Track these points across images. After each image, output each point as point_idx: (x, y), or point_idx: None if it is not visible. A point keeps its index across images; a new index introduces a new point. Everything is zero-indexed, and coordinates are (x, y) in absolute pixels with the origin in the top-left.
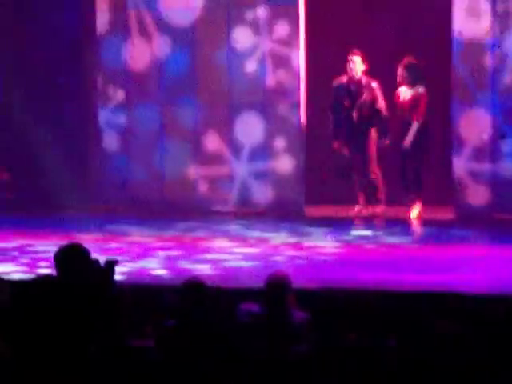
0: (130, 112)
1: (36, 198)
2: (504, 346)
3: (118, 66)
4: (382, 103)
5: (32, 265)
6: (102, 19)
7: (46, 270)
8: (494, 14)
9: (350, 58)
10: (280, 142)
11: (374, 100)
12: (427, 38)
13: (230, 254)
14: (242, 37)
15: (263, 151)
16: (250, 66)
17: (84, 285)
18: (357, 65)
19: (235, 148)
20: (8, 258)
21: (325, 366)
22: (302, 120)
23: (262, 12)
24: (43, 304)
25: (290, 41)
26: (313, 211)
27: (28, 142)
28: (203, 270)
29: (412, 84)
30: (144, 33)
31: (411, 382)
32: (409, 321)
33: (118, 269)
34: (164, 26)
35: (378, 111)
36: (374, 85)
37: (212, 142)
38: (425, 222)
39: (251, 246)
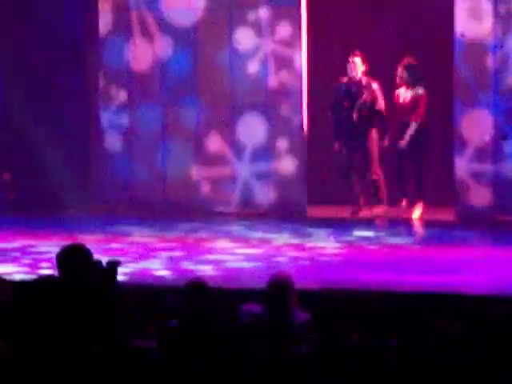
0: (132, 112)
1: (38, 199)
2: (505, 346)
3: (120, 66)
4: (382, 104)
5: (34, 265)
6: (105, 20)
7: (47, 270)
8: (496, 14)
9: (350, 59)
10: (282, 143)
11: (374, 100)
12: (429, 39)
13: (232, 255)
14: (244, 38)
15: (265, 152)
16: (252, 67)
17: (86, 285)
18: (357, 66)
19: (237, 149)
20: (9, 259)
21: (326, 367)
22: (304, 121)
23: (264, 13)
24: (45, 305)
25: (292, 42)
26: (315, 212)
27: (29, 143)
28: (205, 270)
29: (412, 85)
30: (146, 33)
31: (412, 382)
32: (410, 321)
33: (120, 270)
34: (166, 27)
35: (378, 112)
36: (375, 85)
37: (214, 143)
38: (427, 223)
39: (253, 246)
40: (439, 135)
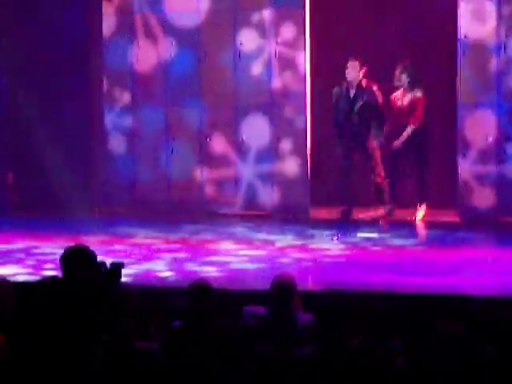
0: (136, 114)
1: (41, 200)
2: (509, 348)
3: (123, 68)
4: (381, 106)
5: (37, 267)
6: (108, 22)
7: (51, 271)
8: (500, 16)
9: (348, 63)
10: (286, 144)
11: (374, 103)
12: (432, 41)
13: (235, 256)
14: (247, 39)
15: (269, 153)
16: (256, 69)
17: (90, 287)
18: (354, 70)
19: (241, 150)
20: (13, 260)
21: (329, 368)
22: (307, 122)
23: (267, 14)
24: (49, 306)
25: (296, 43)
26: (319, 213)
27: (33, 144)
28: (209, 271)
29: (410, 88)
30: (150, 35)
31: (415, 383)
32: (414, 323)
33: (124, 271)
34: (170, 29)
35: (379, 114)
36: (374, 88)
37: (218, 144)
38: (430, 225)
39: (257, 248)
40: (442, 137)
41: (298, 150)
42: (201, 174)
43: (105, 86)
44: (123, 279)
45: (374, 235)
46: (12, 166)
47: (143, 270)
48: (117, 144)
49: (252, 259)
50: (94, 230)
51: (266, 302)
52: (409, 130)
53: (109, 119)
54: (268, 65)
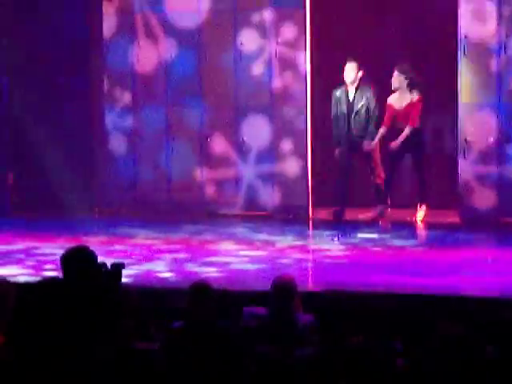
0: (137, 114)
1: (42, 201)
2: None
3: (124, 68)
4: (376, 108)
5: (38, 267)
6: (109, 22)
7: (51, 272)
8: (500, 16)
9: (346, 65)
10: (286, 145)
11: (372, 105)
12: (433, 41)
13: (236, 257)
14: (248, 39)
15: (270, 153)
16: (256, 69)
17: (90, 287)
18: (352, 72)
19: (242, 150)
20: (14, 261)
21: (330, 369)
22: (308, 122)
23: (268, 15)
24: (49, 306)
25: (297, 43)
26: (319, 213)
27: (33, 145)
28: (210, 272)
29: (407, 90)
30: (150, 35)
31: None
32: (414, 323)
33: (124, 272)
34: (170, 29)
35: (376, 116)
36: (371, 90)
37: (218, 145)
38: (431, 226)
39: (257, 248)
40: (443, 137)
41: (299, 150)
42: (201, 174)
43: (105, 86)
44: (123, 280)
45: (375, 236)
46: (12, 167)
47: (143, 270)
48: (117, 144)
49: (252, 260)
50: (95, 230)
51: (266, 302)
52: (407, 132)
53: (109, 119)
54: (268, 65)
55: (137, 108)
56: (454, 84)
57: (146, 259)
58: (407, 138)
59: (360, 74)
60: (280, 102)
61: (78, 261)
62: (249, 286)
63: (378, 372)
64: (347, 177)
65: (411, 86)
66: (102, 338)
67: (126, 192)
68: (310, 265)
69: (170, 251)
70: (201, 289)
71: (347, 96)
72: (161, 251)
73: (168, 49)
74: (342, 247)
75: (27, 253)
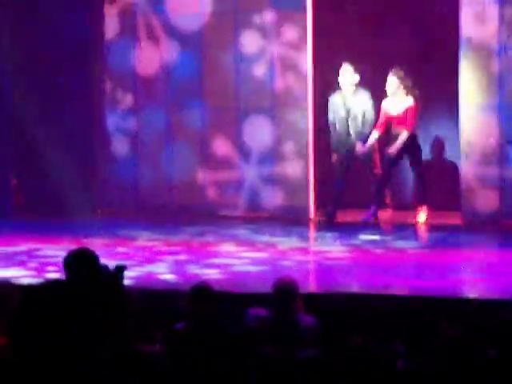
0: (138, 116)
1: (44, 203)
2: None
3: (126, 69)
4: (372, 113)
5: (40, 269)
6: (110, 23)
7: (54, 274)
8: (502, 18)
9: (341, 68)
10: (288, 146)
11: (368, 109)
12: (434, 43)
13: (238, 259)
14: (249, 41)
15: (271, 155)
16: (258, 70)
17: (93, 289)
18: (348, 76)
19: (243, 152)
20: (16, 263)
21: (331, 371)
22: (310, 124)
23: (269, 16)
24: (52, 308)
25: (298, 45)
26: (321, 215)
27: (36, 146)
28: (211, 274)
29: (402, 95)
30: (152, 37)
31: None
32: (416, 325)
33: (126, 273)
34: (172, 31)
35: (372, 120)
36: (367, 95)
37: (220, 146)
38: (432, 227)
39: (259, 250)
40: (445, 139)
41: (301, 151)
42: (203, 175)
43: (107, 88)
44: (125, 282)
45: (376, 238)
46: (15, 169)
47: (145, 272)
48: (119, 146)
49: (254, 261)
50: (97, 232)
51: (268, 304)
52: (404, 137)
53: (111, 121)
54: (270, 66)
55: (138, 109)
56: (456, 85)
57: (148, 261)
58: (404, 143)
59: (357, 77)
60: (282, 104)
61: (80, 263)
62: (250, 287)
63: (379, 374)
64: (344, 180)
65: (406, 91)
66: (104, 340)
67: (127, 193)
68: (311, 266)
69: (171, 253)
70: (202, 290)
71: (344, 101)
72: (162, 253)
73: (169, 50)
74: (343, 249)
75: (30, 254)
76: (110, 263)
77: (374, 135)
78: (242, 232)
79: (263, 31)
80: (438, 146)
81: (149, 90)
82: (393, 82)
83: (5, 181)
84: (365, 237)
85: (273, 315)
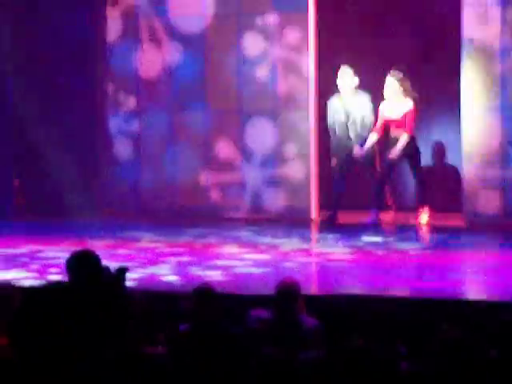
0: (141, 118)
1: (46, 204)
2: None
3: (128, 72)
4: (371, 116)
5: (42, 271)
6: (113, 26)
7: (56, 276)
8: (504, 19)
9: (340, 70)
10: (291, 148)
11: (367, 112)
12: (436, 44)
13: (240, 261)
14: (252, 43)
15: (274, 157)
16: (261, 73)
17: (95, 291)
18: (347, 79)
19: (246, 154)
20: (18, 264)
21: (333, 372)
22: (312, 126)
23: (272, 18)
24: (54, 310)
25: (301, 47)
26: (323, 217)
27: (38, 149)
28: (214, 276)
29: (401, 98)
30: (154, 39)
31: None
32: (418, 327)
33: (128, 275)
34: (174, 33)
35: (371, 123)
36: (367, 97)
37: (223, 149)
38: (435, 229)
39: (262, 252)
40: (447, 141)
41: (303, 153)
42: (205, 177)
43: (109, 91)
44: (128, 283)
45: (378, 239)
46: (17, 170)
47: (148, 274)
48: (122, 148)
49: (257, 263)
50: (99, 233)
51: (270, 305)
52: (403, 140)
53: (114, 123)
54: (272, 69)
55: (141, 112)
56: (458, 86)
57: (151, 263)
58: (404, 146)
59: (356, 80)
60: (284, 106)
61: (82, 265)
62: (252, 289)
63: (381, 375)
64: (344, 184)
65: (405, 93)
66: (106, 342)
67: (130, 195)
68: (313, 268)
69: (174, 255)
70: (204, 292)
71: (343, 104)
72: (165, 255)
73: (172, 52)
74: (345, 250)
75: (31, 256)
76: (112, 265)
77: (372, 138)
78: (245, 234)
79: (265, 33)
80: (440, 147)
81: (151, 92)
82: (391, 84)
83: (6, 182)
84: (366, 238)
85: (275, 317)
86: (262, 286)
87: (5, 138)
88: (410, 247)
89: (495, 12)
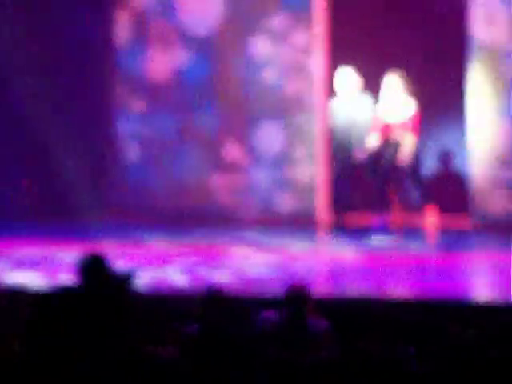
0: (149, 121)
1: (54, 206)
2: None
3: (137, 75)
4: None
5: (51, 273)
6: (122, 29)
7: (65, 278)
8: None
9: (339, 71)
10: (299, 150)
11: (370, 115)
12: (444, 45)
13: (249, 262)
14: (260, 45)
15: (282, 160)
16: (269, 75)
17: (104, 294)
18: (347, 81)
19: (254, 156)
20: (27, 266)
21: (343, 373)
22: (320, 128)
23: (280, 21)
24: (63, 313)
25: (308, 49)
26: (331, 219)
27: (46, 150)
28: (222, 278)
29: (403, 98)
30: (163, 42)
31: None
32: (426, 329)
33: (137, 277)
34: (183, 36)
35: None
36: (369, 99)
37: (231, 150)
38: (443, 231)
39: (270, 254)
40: (453, 142)
41: (311, 156)
42: (214, 179)
43: (118, 93)
44: (136, 286)
45: (386, 241)
46: (26, 172)
47: (157, 275)
48: (130, 150)
49: (266, 265)
50: (107, 236)
51: (279, 308)
52: (410, 143)
53: (122, 126)
54: (280, 71)
55: (150, 115)
56: (465, 87)
57: (159, 264)
58: (409, 149)
59: (358, 82)
60: (292, 108)
61: (91, 268)
62: (262, 291)
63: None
64: (348, 186)
65: (407, 94)
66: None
67: (138, 198)
68: (322, 270)
69: (182, 256)
70: (213, 293)
71: (345, 107)
72: (173, 257)
73: (181, 55)
74: (353, 252)
75: (40, 258)
76: (120, 267)
77: (372, 140)
78: (253, 235)
79: (274, 35)
80: (446, 148)
81: (160, 96)
82: (393, 84)
83: (16, 184)
84: (374, 240)
85: (284, 319)
86: (270, 287)
87: (14, 139)
88: (418, 249)
89: (503, 11)
